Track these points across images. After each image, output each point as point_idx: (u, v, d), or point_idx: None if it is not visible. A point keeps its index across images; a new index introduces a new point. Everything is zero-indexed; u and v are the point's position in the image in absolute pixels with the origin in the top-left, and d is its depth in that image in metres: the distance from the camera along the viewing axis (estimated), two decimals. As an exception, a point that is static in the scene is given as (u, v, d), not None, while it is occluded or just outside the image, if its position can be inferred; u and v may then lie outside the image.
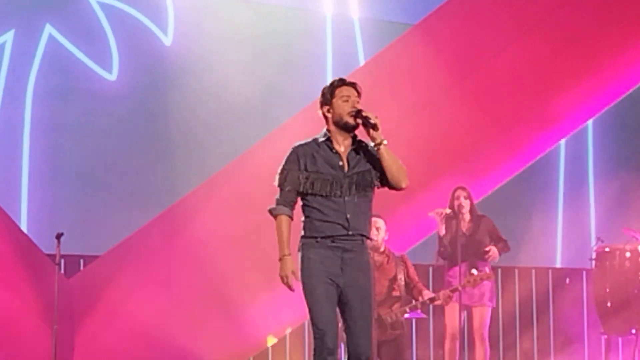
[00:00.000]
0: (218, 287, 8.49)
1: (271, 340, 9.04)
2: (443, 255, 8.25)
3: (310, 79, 10.20)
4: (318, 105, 5.25)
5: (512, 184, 8.42)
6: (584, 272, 10.22)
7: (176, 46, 10.32)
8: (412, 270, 8.01)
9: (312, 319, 5.13)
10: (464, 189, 8.19)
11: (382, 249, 7.67)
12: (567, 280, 10.15)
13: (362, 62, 10.53)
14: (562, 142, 9.49)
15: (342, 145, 5.18)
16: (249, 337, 8.77)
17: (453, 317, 8.21)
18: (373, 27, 10.94)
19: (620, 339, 9.31)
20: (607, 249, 8.78)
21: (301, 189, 5.12)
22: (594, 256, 8.87)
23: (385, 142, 5.09)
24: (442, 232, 8.17)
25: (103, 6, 9.98)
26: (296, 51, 10.71)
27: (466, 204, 8.13)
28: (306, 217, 5.19)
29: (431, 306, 8.50)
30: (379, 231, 7.73)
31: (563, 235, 10.69)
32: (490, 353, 8.38)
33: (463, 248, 8.09)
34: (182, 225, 8.78)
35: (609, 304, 8.62)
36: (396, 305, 7.64)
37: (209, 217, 8.71)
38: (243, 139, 9.33)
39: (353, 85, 5.18)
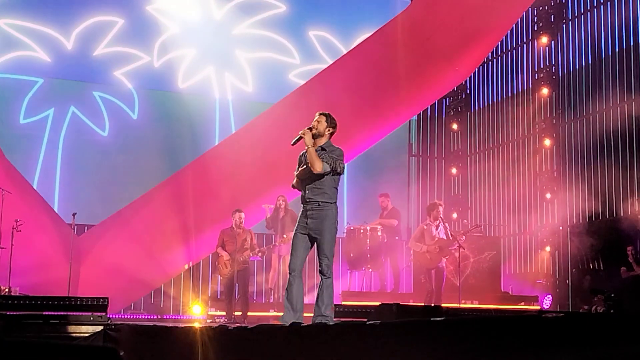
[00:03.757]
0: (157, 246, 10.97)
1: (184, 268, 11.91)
2: (268, 227, 11.12)
3: (202, 147, 12.37)
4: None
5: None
6: (341, 240, 12.27)
7: (140, 120, 12.87)
8: (254, 239, 10.40)
9: (292, 256, 6.19)
10: (284, 198, 10.85)
11: (242, 227, 10.24)
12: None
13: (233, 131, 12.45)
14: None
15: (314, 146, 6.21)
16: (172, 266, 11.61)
17: (276, 260, 11.05)
18: (241, 106, 13.08)
19: (357, 272, 12.15)
20: (352, 228, 11.67)
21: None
22: (346, 231, 11.67)
23: (310, 147, 6.08)
24: (268, 215, 11.04)
25: (101, 98, 13.22)
26: (197, 127, 12.81)
27: (284, 204, 10.88)
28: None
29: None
30: (242, 219, 10.24)
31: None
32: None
33: (280, 224, 10.76)
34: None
35: (352, 255, 11.63)
36: (247, 252, 10.11)
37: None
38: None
39: (322, 114, 6.26)
